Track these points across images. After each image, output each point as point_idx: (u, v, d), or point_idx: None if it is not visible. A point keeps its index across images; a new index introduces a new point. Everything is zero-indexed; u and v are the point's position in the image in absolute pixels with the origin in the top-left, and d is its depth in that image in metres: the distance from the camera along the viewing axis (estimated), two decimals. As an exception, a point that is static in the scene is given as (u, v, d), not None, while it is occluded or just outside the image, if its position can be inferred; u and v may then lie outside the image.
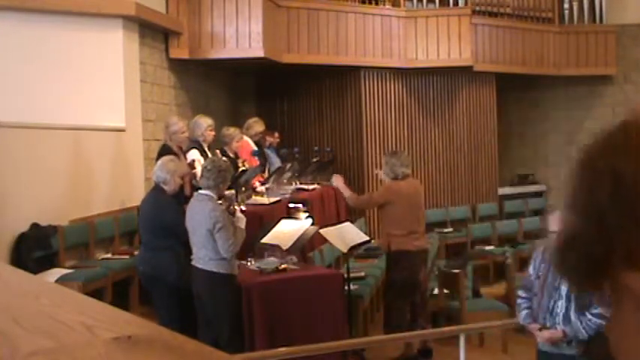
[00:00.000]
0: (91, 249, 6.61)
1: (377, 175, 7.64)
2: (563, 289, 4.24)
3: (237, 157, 7.45)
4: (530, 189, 13.08)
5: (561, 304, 4.29)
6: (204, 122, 6.98)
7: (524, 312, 4.51)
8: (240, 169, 6.96)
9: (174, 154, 6.26)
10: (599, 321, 4.14)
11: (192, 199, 5.25)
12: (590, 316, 4.19)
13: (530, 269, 4.55)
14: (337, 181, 7.18)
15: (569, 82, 12.90)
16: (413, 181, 7.03)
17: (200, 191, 5.15)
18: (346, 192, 7.09)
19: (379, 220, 6.98)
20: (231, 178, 5.66)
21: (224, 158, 6.57)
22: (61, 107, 7.03)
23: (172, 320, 5.13)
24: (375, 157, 10.67)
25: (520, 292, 4.63)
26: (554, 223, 4.30)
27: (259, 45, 8.59)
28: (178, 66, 8.86)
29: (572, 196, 0.74)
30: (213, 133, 7.05)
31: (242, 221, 5.23)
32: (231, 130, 7.70)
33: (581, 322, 4.21)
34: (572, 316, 4.23)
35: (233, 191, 6.33)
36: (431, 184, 11.08)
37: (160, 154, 6.30)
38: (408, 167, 6.76)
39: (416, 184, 7.12)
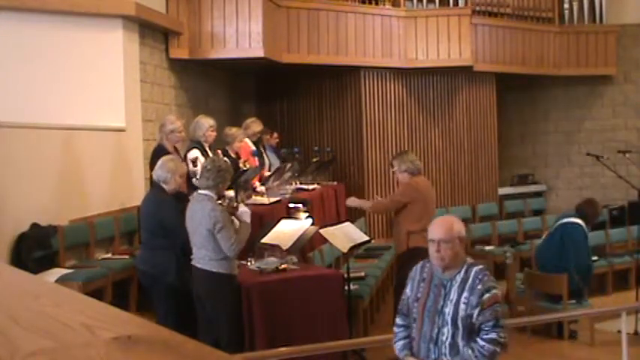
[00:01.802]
0: (91, 249, 6.61)
1: (376, 197, 7.64)
2: (448, 312, 3.62)
3: (238, 157, 7.45)
4: (530, 189, 13.09)
5: (447, 331, 3.61)
6: (206, 122, 6.97)
7: (400, 343, 3.84)
8: (241, 169, 6.96)
9: (169, 154, 6.23)
10: (492, 347, 3.57)
11: (191, 200, 5.24)
12: (482, 342, 3.58)
13: (408, 290, 3.83)
14: (352, 202, 7.12)
15: (569, 82, 12.91)
16: (425, 178, 7.09)
17: (199, 191, 5.14)
18: (365, 204, 7.15)
19: (392, 219, 6.95)
20: (230, 178, 5.65)
21: (225, 158, 6.57)
22: (61, 107, 7.02)
23: (171, 320, 5.12)
24: (375, 157, 10.68)
25: (397, 319, 3.92)
26: (436, 232, 3.69)
27: (259, 45, 8.60)
28: (178, 66, 8.86)
29: None
30: (214, 133, 7.03)
31: (247, 215, 5.19)
32: (234, 130, 7.69)
33: (472, 351, 3.58)
34: (460, 344, 3.60)
35: (232, 192, 6.33)
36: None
37: (155, 154, 6.26)
38: (420, 162, 6.86)
39: (428, 182, 7.20)
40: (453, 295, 3.64)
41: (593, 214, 7.85)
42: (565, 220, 7.76)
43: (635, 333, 7.50)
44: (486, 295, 3.62)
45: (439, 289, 3.68)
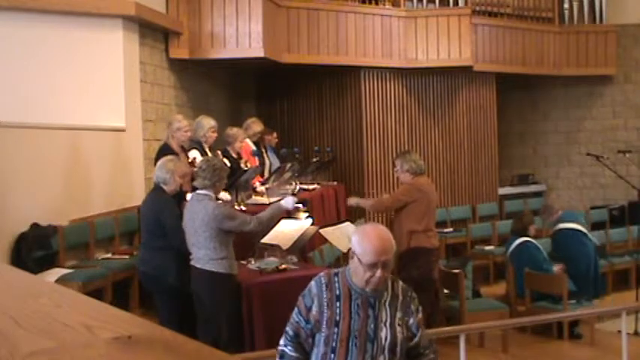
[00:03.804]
0: (91, 249, 6.61)
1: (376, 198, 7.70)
2: (385, 336, 2.98)
3: (239, 157, 7.45)
4: (531, 189, 13.09)
5: None
6: (207, 123, 6.97)
7: None
8: (242, 169, 6.96)
9: (175, 153, 6.24)
10: None
11: (190, 200, 5.24)
12: None
13: (314, 311, 3.01)
14: (352, 201, 7.25)
15: (569, 82, 12.91)
16: (428, 179, 7.10)
17: (198, 191, 5.14)
18: (366, 203, 7.19)
19: (392, 218, 6.96)
20: (230, 178, 5.65)
21: (225, 159, 6.57)
22: (61, 107, 7.03)
23: (172, 320, 5.12)
24: (375, 157, 10.68)
25: (285, 349, 3.07)
26: (378, 252, 2.95)
27: (259, 45, 8.59)
28: (178, 66, 8.86)
29: None
30: (215, 134, 7.03)
31: (288, 201, 5.30)
32: (235, 130, 7.69)
33: None
34: None
35: (227, 194, 6.32)
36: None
37: (160, 153, 6.28)
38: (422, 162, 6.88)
39: (430, 182, 7.20)
40: (385, 317, 3.02)
41: (525, 224, 8.00)
42: (514, 244, 7.90)
43: (635, 333, 7.51)
44: (419, 315, 3.12)
45: (365, 310, 3.00)
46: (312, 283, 3.08)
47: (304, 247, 6.39)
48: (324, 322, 2.97)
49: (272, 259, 5.62)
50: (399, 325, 3.02)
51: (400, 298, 3.07)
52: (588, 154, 10.04)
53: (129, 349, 0.90)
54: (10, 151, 5.86)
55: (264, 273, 5.44)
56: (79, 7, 7.20)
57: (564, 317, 7.17)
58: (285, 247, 5.64)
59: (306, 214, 6.58)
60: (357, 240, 3.02)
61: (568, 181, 13.20)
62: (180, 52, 8.68)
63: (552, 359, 7.07)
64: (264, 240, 5.73)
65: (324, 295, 3.01)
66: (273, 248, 5.69)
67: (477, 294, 8.05)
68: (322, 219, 7.39)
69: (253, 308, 5.19)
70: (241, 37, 8.60)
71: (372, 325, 2.97)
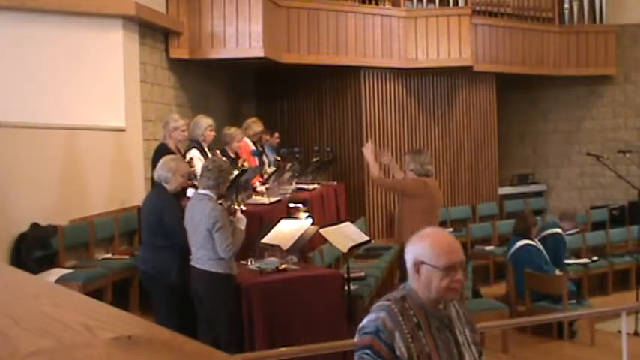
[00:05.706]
0: (91, 249, 6.61)
1: (384, 153, 7.32)
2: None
3: (237, 157, 7.45)
4: (531, 189, 13.10)
5: None
6: (205, 122, 6.97)
7: None
8: (241, 169, 6.95)
9: (172, 153, 6.24)
10: None
11: (191, 199, 5.25)
12: None
13: (400, 345, 2.51)
14: (368, 152, 6.79)
15: (569, 82, 12.91)
16: (435, 181, 7.08)
17: (199, 191, 5.14)
18: (374, 168, 6.87)
19: (393, 216, 6.92)
20: (230, 179, 5.65)
21: (224, 158, 6.57)
22: (61, 107, 7.03)
23: (172, 320, 5.12)
24: (375, 157, 10.67)
25: None
26: (453, 253, 2.57)
27: (259, 45, 8.60)
28: (178, 66, 8.86)
29: None
30: (213, 133, 7.03)
31: (242, 222, 5.21)
32: (232, 130, 7.69)
33: None
34: None
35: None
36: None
37: (157, 153, 6.27)
38: (432, 166, 6.82)
39: (437, 184, 7.17)
40: (462, 338, 2.64)
41: (529, 225, 7.95)
42: (517, 245, 7.85)
43: (635, 333, 7.51)
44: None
45: (444, 333, 2.61)
46: (383, 314, 2.61)
47: (304, 247, 6.40)
48: (417, 356, 2.51)
49: (272, 259, 5.62)
50: (474, 344, 2.68)
51: (461, 313, 2.71)
52: (588, 154, 10.04)
53: (129, 349, 0.90)
54: (10, 151, 5.86)
55: (264, 273, 5.44)
56: (79, 7, 7.20)
57: (564, 317, 7.17)
58: (285, 247, 5.64)
59: (306, 214, 6.59)
60: (424, 245, 2.61)
61: (568, 181, 13.20)
62: (180, 52, 8.68)
63: (552, 359, 7.07)
64: (264, 240, 5.73)
65: (404, 326, 2.54)
66: (273, 248, 5.70)
67: (477, 294, 8.05)
68: (322, 219, 7.39)
69: (253, 308, 5.19)
70: (241, 37, 8.60)
71: (455, 350, 2.59)
